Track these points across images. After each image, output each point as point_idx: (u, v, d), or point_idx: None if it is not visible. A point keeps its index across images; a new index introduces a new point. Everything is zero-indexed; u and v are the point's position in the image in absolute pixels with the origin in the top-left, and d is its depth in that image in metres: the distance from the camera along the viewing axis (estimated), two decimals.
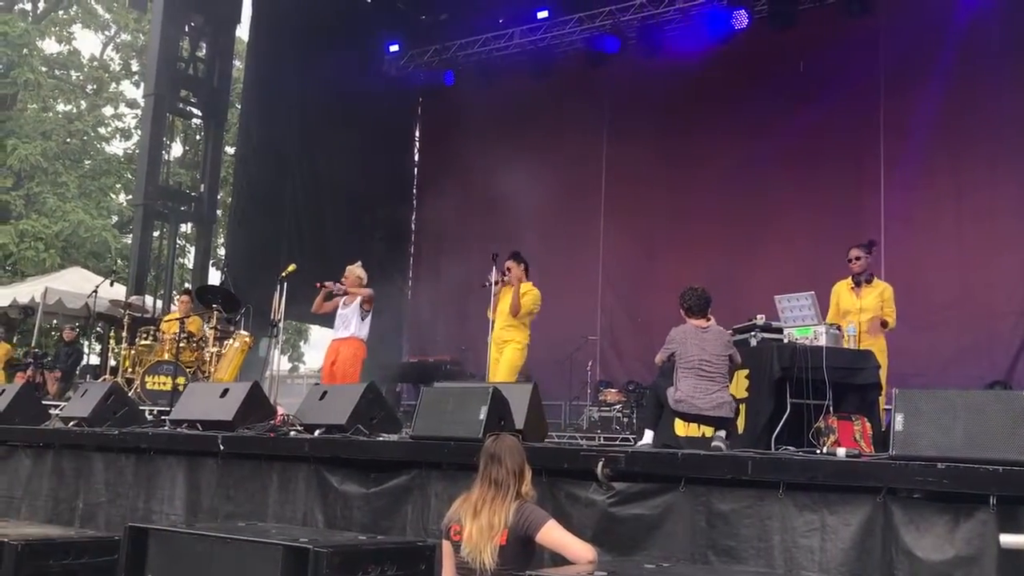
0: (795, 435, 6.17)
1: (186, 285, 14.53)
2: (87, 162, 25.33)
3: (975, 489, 3.86)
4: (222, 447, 6.33)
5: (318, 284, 8.89)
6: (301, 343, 30.57)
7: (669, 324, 12.62)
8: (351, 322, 8.82)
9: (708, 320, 6.13)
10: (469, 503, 4.13)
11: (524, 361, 8.53)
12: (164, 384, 9.92)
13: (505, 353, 8.30)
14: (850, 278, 7.94)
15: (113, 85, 27.90)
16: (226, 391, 7.00)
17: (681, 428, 7.31)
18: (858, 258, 7.83)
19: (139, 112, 23.46)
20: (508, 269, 8.43)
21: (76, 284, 15.88)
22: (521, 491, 4.12)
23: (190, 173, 16.95)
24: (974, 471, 3.88)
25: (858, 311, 7.72)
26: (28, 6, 27.28)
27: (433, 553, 4.60)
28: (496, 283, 8.41)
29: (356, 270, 9.01)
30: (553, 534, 4.03)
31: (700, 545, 4.49)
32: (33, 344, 15.51)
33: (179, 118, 15.29)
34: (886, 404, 6.96)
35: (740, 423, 6.76)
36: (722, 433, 5.79)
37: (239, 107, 16.65)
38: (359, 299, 8.82)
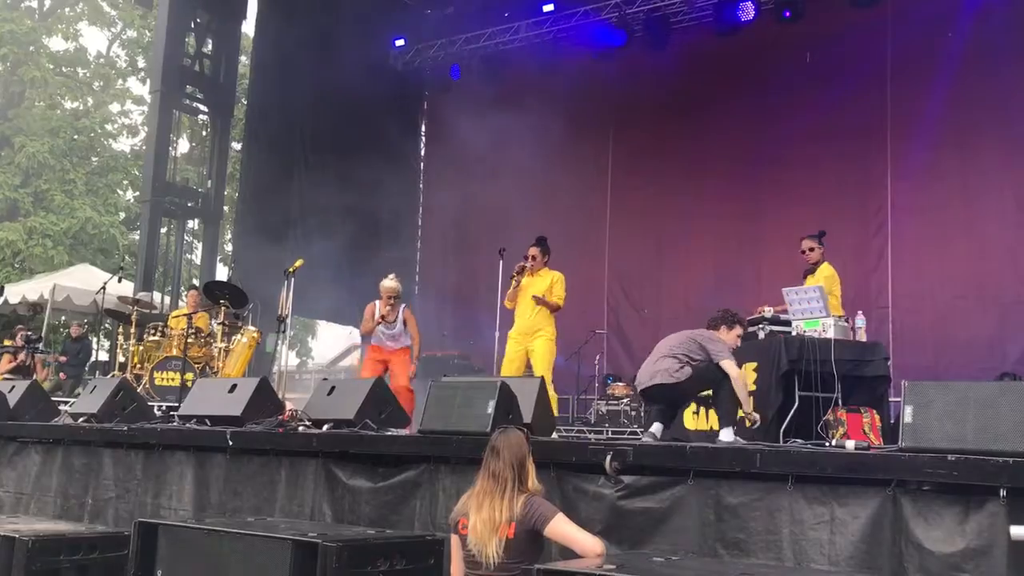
0: (804, 428, 6.16)
1: (194, 281, 14.52)
2: (94, 159, 25.38)
3: (985, 481, 3.84)
4: (230, 442, 6.34)
5: (379, 320, 8.69)
6: (309, 338, 30.63)
7: (676, 317, 12.73)
8: (401, 337, 8.74)
9: (716, 330, 6.12)
10: (473, 496, 4.14)
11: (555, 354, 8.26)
12: (172, 380, 9.94)
13: (538, 346, 8.01)
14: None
15: (120, 82, 27.96)
16: (234, 387, 7.02)
17: (690, 421, 7.31)
18: (811, 249, 7.74)
19: (146, 109, 23.46)
20: (532, 257, 8.24)
21: (84, 281, 15.93)
22: (527, 485, 4.12)
23: (197, 169, 17.01)
24: (984, 463, 3.87)
25: None
26: (35, 3, 27.36)
27: (442, 547, 4.60)
28: (519, 273, 8.23)
29: (396, 285, 8.79)
30: (561, 528, 4.03)
31: (709, 538, 4.48)
32: (42, 342, 15.56)
33: (186, 114, 15.35)
34: (895, 396, 6.95)
35: None
36: (728, 434, 5.75)
37: (245, 103, 16.66)
38: (402, 317, 8.72)
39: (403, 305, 8.84)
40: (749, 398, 5.91)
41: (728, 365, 5.83)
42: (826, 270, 7.63)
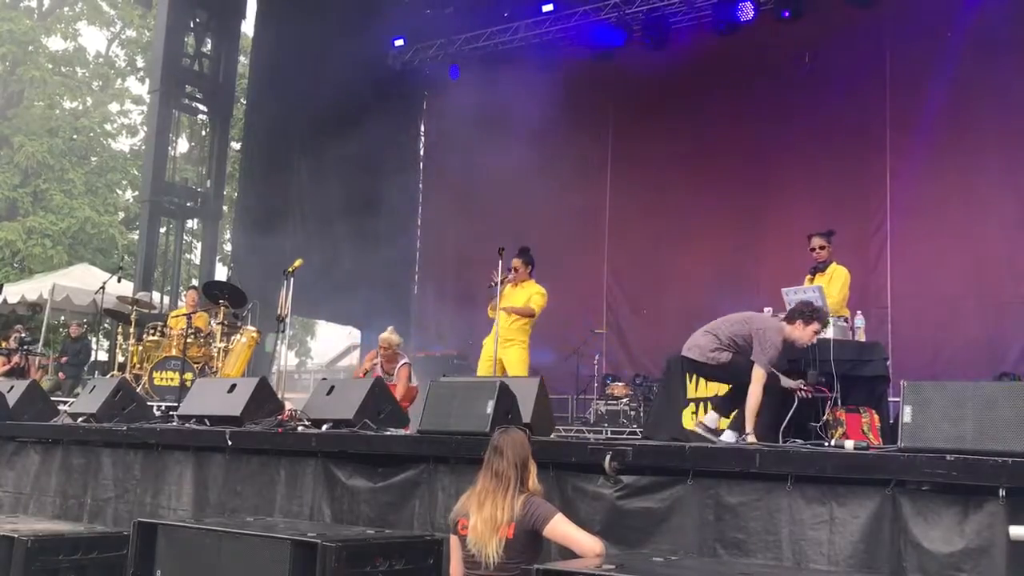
0: (803, 428, 6.15)
1: (193, 281, 14.54)
2: (93, 159, 25.37)
3: (984, 481, 3.84)
4: (230, 442, 6.34)
5: (362, 375, 8.84)
6: (308, 338, 30.65)
7: (675, 317, 12.68)
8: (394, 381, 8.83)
9: (791, 323, 5.87)
10: (474, 496, 4.14)
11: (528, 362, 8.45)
12: (172, 380, 9.93)
13: (512, 354, 8.21)
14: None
15: (119, 81, 27.94)
16: (233, 386, 7.02)
17: (689, 421, 7.30)
18: (822, 247, 7.69)
19: (145, 108, 23.48)
20: (515, 268, 8.38)
21: (83, 280, 15.92)
22: (528, 485, 4.12)
23: (196, 169, 16.98)
24: (983, 463, 3.87)
25: None
26: (34, 3, 27.33)
27: (441, 547, 4.60)
28: (500, 282, 8.36)
29: (393, 338, 8.89)
30: (561, 528, 4.04)
31: (708, 538, 4.48)
32: (42, 341, 15.55)
33: (185, 114, 15.32)
34: (894, 396, 6.96)
35: None
36: (730, 435, 5.71)
37: (244, 102, 16.65)
38: (399, 374, 8.79)
39: (403, 361, 8.93)
40: (754, 417, 5.67)
41: (757, 372, 5.64)
42: (841, 272, 7.57)
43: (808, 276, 7.68)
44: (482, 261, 10.70)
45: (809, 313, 5.84)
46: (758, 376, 5.67)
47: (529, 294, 8.34)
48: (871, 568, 4.06)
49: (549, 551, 4.33)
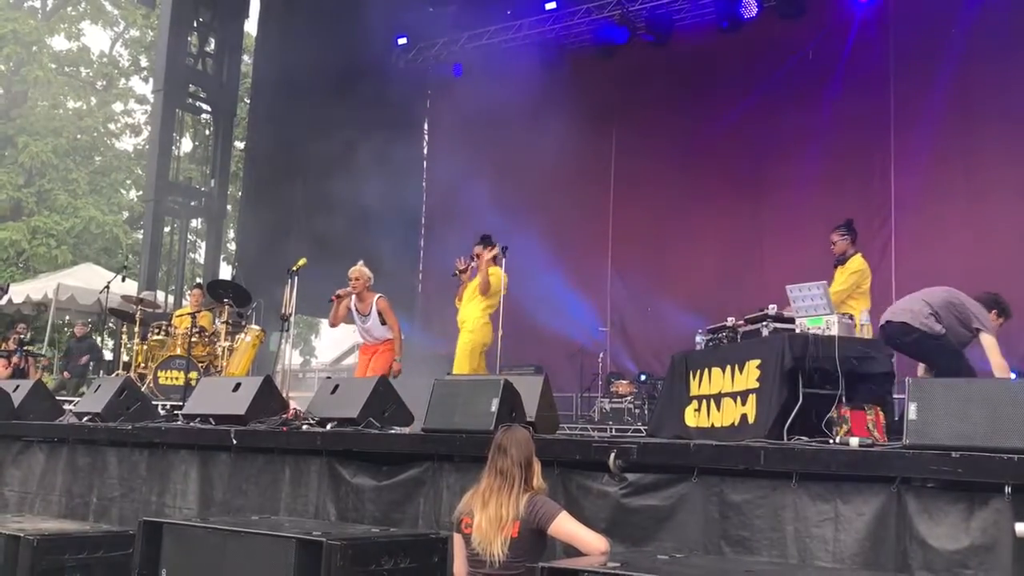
0: (808, 425, 6.14)
1: (197, 280, 14.56)
2: (97, 158, 25.42)
3: (990, 478, 3.83)
4: (235, 441, 6.34)
5: (333, 297, 8.54)
6: (312, 337, 30.65)
7: (679, 315, 12.65)
8: (377, 330, 8.54)
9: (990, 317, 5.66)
10: (478, 494, 4.14)
11: (485, 341, 8.43)
12: (176, 379, 9.95)
13: (460, 338, 8.40)
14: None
15: (122, 81, 27.97)
16: (238, 385, 7.01)
17: (691, 418, 7.28)
18: (833, 243, 7.72)
19: (149, 108, 23.52)
20: (476, 255, 8.43)
21: (88, 280, 15.98)
22: (532, 484, 4.12)
23: (200, 168, 17.03)
24: (989, 460, 3.86)
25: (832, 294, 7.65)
26: (37, 3, 27.37)
27: (445, 545, 4.60)
28: (463, 271, 8.44)
29: (364, 270, 8.56)
30: (565, 526, 4.03)
31: (713, 536, 4.48)
32: (46, 341, 15.59)
33: (188, 114, 15.35)
34: (900, 393, 6.93)
35: (751, 413, 6.72)
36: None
37: (248, 102, 16.66)
38: (376, 309, 8.44)
39: (377, 296, 8.55)
40: (1004, 365, 5.37)
41: (987, 339, 5.41)
42: (856, 264, 7.56)
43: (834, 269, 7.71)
44: None
45: (1003, 307, 5.79)
46: (990, 343, 5.47)
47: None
48: (876, 565, 4.05)
49: (554, 549, 4.33)
